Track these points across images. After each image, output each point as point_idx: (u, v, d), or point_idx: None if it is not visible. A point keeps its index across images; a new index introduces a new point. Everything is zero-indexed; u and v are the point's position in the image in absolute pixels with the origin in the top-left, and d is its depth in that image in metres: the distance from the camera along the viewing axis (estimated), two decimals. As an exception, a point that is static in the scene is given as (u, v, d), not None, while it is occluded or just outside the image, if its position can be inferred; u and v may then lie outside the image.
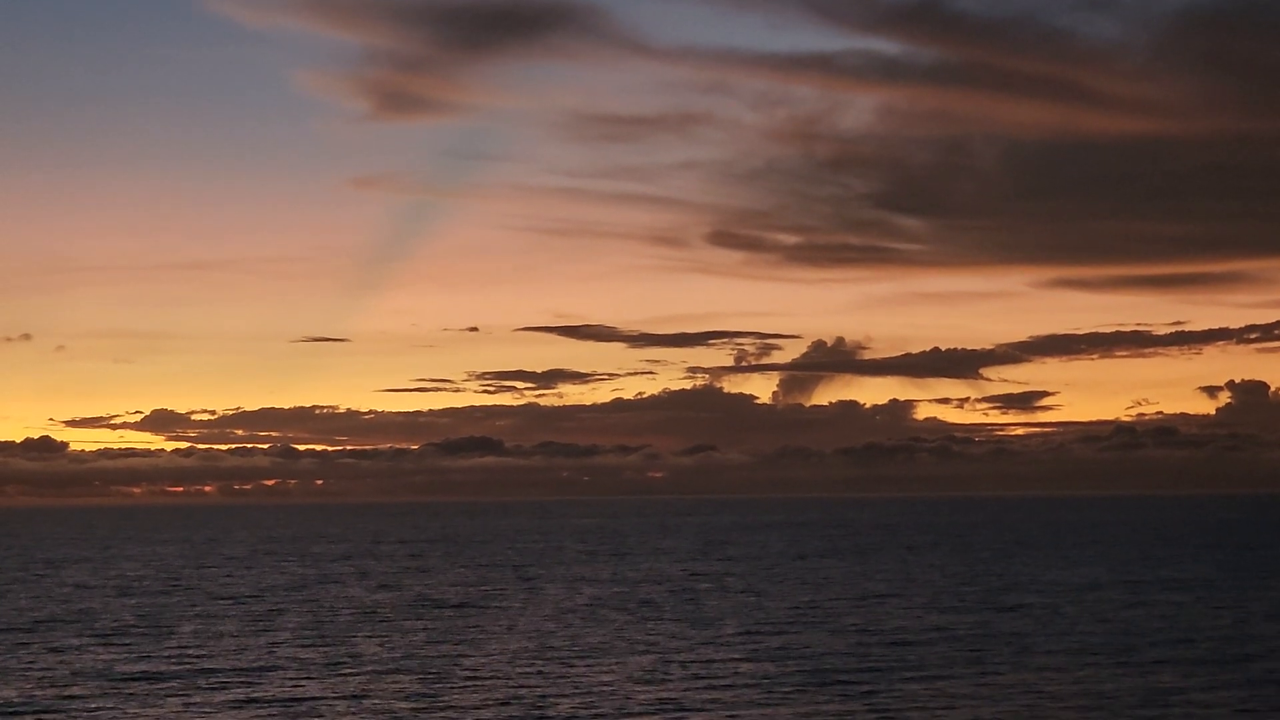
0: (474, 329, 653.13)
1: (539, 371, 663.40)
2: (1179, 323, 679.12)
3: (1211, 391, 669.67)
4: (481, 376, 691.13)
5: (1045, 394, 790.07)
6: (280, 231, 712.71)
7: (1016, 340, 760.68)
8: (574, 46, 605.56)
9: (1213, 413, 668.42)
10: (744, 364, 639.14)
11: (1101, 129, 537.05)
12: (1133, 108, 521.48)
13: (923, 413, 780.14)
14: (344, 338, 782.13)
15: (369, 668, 56.52)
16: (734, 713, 45.45)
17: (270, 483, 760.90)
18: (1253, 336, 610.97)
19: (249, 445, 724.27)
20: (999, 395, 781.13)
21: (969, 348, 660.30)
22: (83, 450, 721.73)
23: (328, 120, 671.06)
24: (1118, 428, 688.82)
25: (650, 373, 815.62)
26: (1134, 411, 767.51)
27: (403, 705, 47.15)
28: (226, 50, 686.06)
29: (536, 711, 45.63)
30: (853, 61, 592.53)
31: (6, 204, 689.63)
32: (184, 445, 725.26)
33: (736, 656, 59.31)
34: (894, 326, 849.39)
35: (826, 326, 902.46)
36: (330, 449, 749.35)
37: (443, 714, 45.47)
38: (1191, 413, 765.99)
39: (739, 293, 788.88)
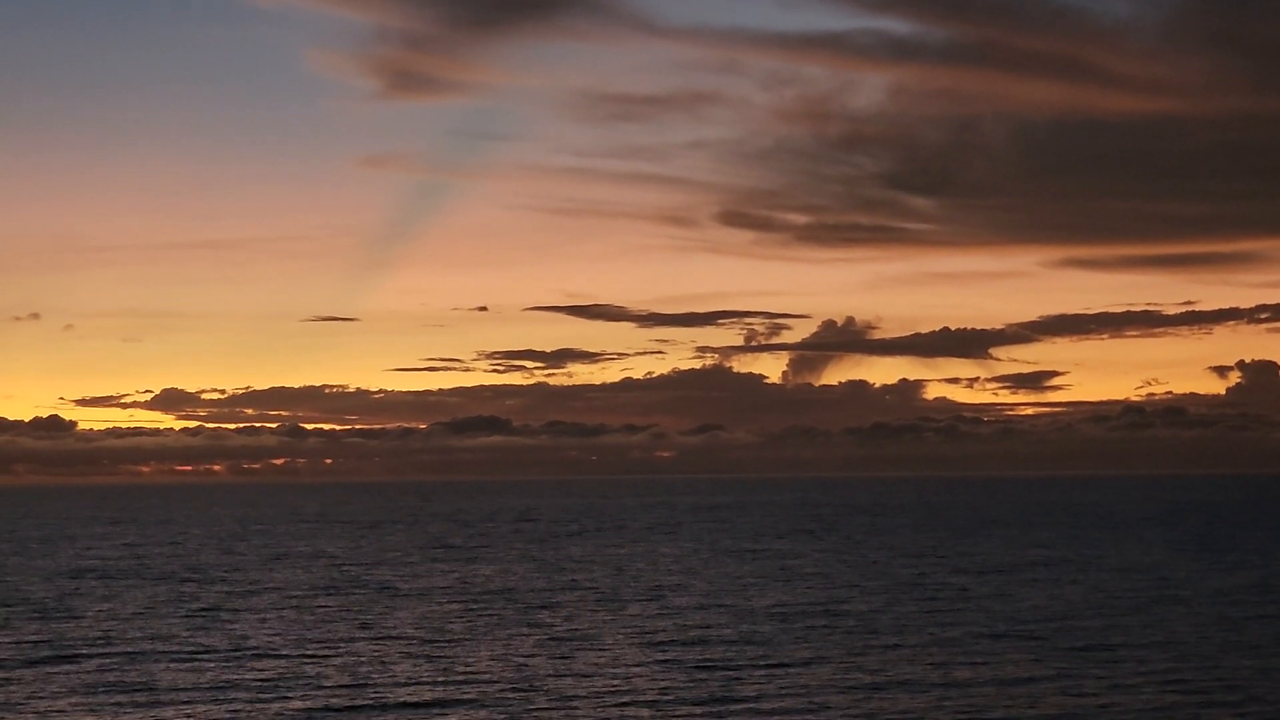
0: (483, 308, 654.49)
1: (548, 351, 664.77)
2: (1189, 302, 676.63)
3: (1221, 371, 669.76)
4: (491, 356, 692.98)
5: (1055, 374, 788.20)
6: (290, 211, 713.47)
7: (1026, 320, 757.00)
8: (584, 26, 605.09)
9: (1223, 393, 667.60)
10: (753, 344, 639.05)
11: (1112, 108, 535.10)
12: (1143, 87, 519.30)
13: (932, 392, 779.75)
14: (354, 317, 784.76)
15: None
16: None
17: (279, 462, 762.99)
18: (1263, 316, 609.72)
19: (257, 425, 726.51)
20: (1009, 375, 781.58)
21: (979, 327, 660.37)
22: (91, 429, 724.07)
23: (338, 99, 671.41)
24: (1126, 407, 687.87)
25: (660, 352, 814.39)
26: (1144, 391, 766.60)
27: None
28: (237, 30, 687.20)
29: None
30: (863, 40, 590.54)
31: (16, 183, 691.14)
32: (193, 424, 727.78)
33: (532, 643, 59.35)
34: (904, 306, 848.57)
35: (836, 306, 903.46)
36: (339, 428, 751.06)
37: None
38: (1201, 393, 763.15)
39: (749, 272, 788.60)
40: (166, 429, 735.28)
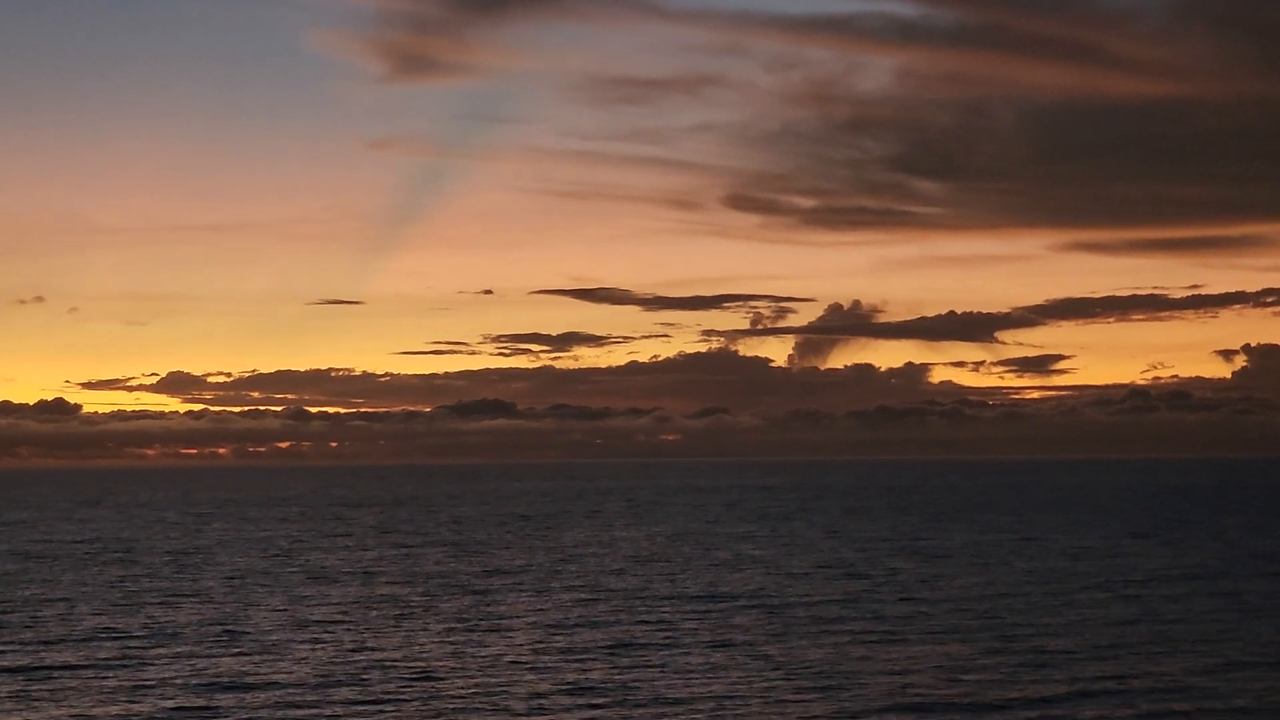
0: (489, 292, 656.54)
1: (554, 334, 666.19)
2: (1195, 286, 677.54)
3: (1227, 355, 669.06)
4: (497, 339, 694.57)
5: (1061, 357, 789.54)
6: (296, 193, 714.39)
7: (1033, 304, 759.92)
8: (589, 8, 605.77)
9: (1228, 376, 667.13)
10: (759, 327, 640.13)
11: (1120, 91, 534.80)
12: (1151, 70, 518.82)
13: (938, 376, 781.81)
14: (359, 300, 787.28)
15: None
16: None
17: (284, 445, 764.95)
18: (1269, 300, 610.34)
19: (261, 408, 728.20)
20: (1014, 359, 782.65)
21: (985, 311, 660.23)
22: (95, 412, 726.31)
23: (343, 82, 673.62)
24: (1131, 391, 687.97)
25: (665, 336, 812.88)
26: (1149, 375, 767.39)
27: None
28: (243, 11, 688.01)
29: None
30: (870, 23, 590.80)
31: (20, 164, 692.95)
32: (198, 408, 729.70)
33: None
34: (910, 290, 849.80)
35: (842, 289, 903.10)
36: (344, 411, 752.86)
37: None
38: (1207, 376, 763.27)
39: (755, 256, 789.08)
40: (171, 412, 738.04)
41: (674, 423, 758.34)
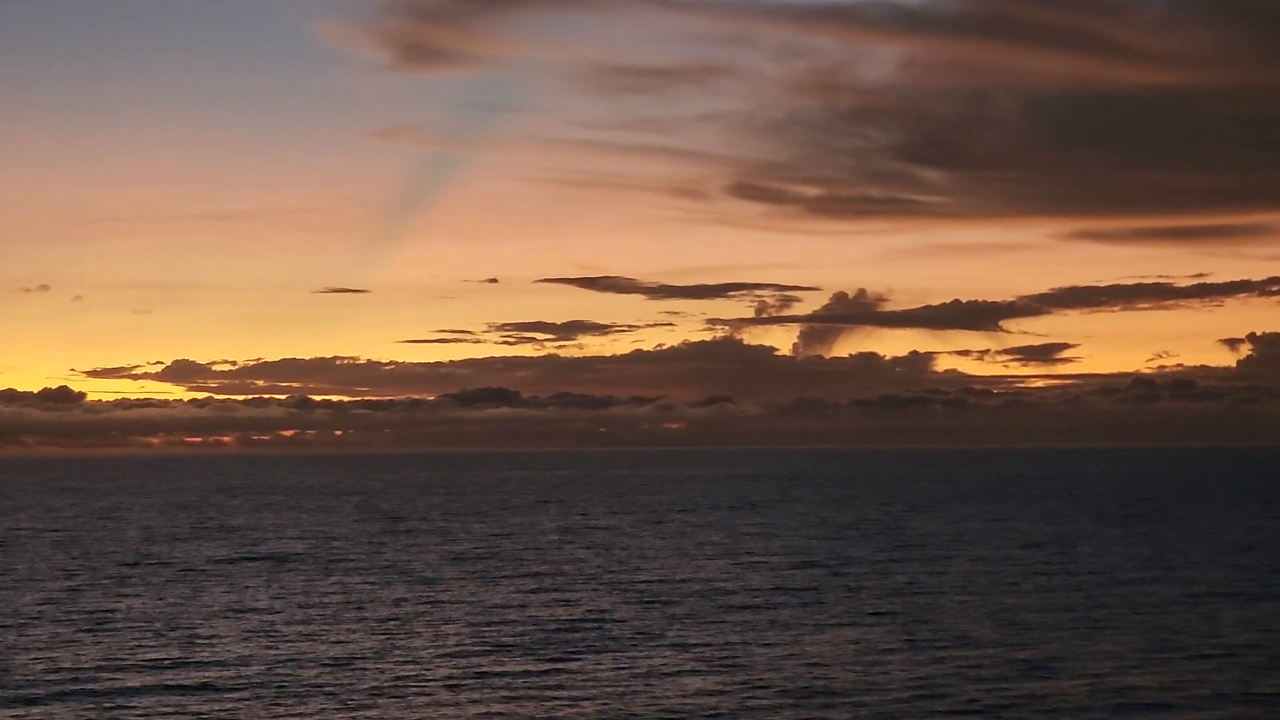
0: (494, 280, 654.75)
1: (559, 323, 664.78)
2: (1201, 275, 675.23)
3: (1232, 344, 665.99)
4: (502, 328, 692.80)
5: (1066, 346, 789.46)
6: (301, 182, 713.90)
7: (1037, 292, 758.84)
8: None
9: (1233, 365, 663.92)
10: (764, 316, 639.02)
11: (1124, 80, 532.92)
12: (1155, 59, 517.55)
13: (943, 365, 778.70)
14: (364, 289, 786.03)
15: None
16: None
17: (288, 433, 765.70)
18: (1275, 289, 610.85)
19: (266, 396, 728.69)
20: (1019, 347, 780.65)
21: (990, 300, 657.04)
22: (99, 401, 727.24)
23: (349, 71, 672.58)
24: (1136, 380, 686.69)
25: (670, 324, 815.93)
26: (1154, 364, 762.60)
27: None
28: (249, 1, 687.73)
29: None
30: (874, 13, 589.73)
31: (25, 153, 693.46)
32: (202, 396, 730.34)
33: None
34: (915, 278, 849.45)
35: (847, 278, 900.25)
36: (349, 400, 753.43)
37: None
38: (1212, 365, 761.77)
39: (759, 245, 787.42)
40: (175, 400, 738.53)
41: (677, 411, 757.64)
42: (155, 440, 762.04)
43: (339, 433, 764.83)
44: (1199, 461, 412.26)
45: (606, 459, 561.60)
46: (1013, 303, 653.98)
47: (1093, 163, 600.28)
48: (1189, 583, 71.61)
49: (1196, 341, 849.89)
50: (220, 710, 40.90)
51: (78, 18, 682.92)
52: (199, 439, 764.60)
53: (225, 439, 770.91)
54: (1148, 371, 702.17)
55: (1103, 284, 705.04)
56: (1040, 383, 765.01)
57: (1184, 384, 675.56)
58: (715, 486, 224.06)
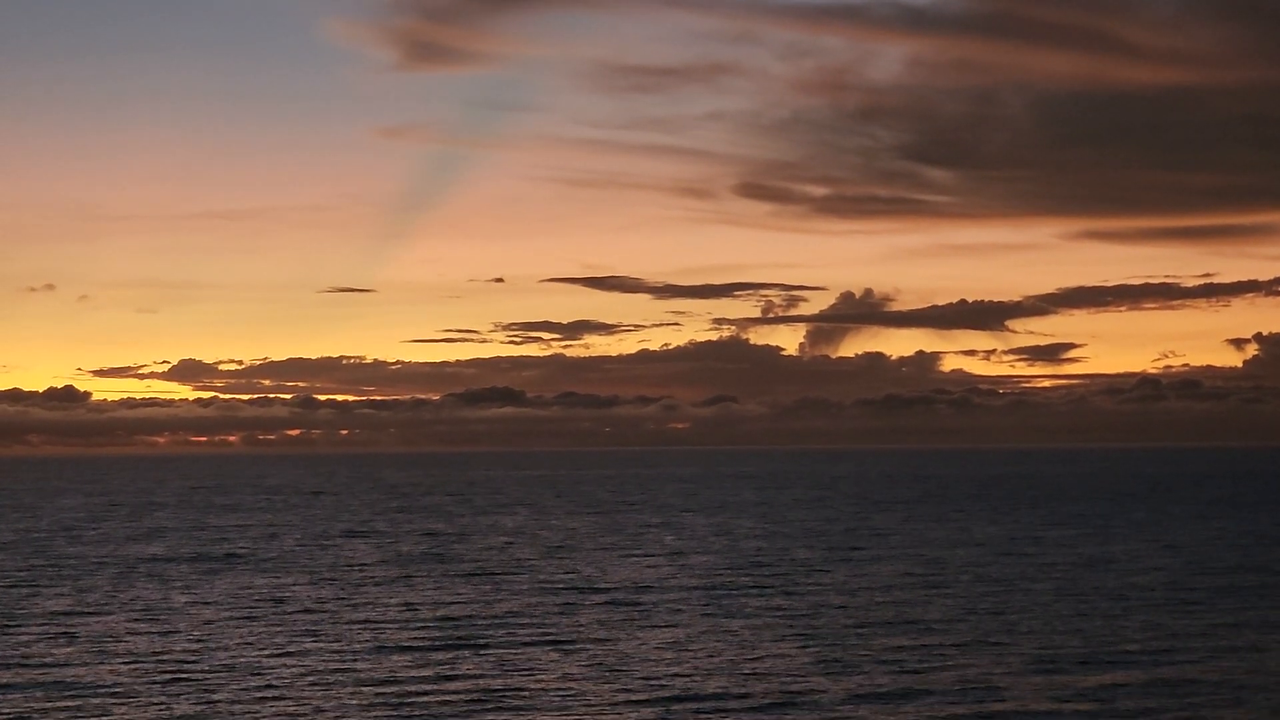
0: (500, 280, 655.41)
1: (565, 322, 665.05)
2: (1208, 275, 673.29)
3: (1239, 344, 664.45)
4: (508, 327, 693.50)
5: (1072, 346, 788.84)
6: (307, 181, 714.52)
7: (1044, 292, 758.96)
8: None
9: (1240, 365, 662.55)
10: (770, 315, 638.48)
11: (1131, 79, 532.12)
12: (1163, 58, 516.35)
13: (949, 364, 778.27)
14: (371, 288, 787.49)
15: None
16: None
17: (294, 433, 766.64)
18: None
19: (271, 396, 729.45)
20: (1026, 347, 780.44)
21: (996, 299, 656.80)
22: (105, 400, 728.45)
23: (355, 69, 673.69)
24: (1142, 380, 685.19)
25: (676, 324, 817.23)
26: (1161, 364, 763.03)
27: None
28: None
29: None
30: (881, 12, 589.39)
31: (31, 153, 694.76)
32: (208, 395, 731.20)
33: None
34: (921, 278, 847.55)
35: (854, 278, 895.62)
36: (355, 399, 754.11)
37: None
38: (1218, 365, 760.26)
39: (766, 244, 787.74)
40: (181, 400, 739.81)
41: (682, 411, 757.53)
42: (161, 440, 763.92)
43: (344, 432, 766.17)
44: (1201, 461, 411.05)
45: (605, 459, 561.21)
46: (1019, 302, 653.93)
47: (1100, 162, 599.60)
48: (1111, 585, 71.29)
49: (1203, 341, 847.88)
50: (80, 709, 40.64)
51: (85, 17, 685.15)
52: (204, 438, 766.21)
53: (230, 438, 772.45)
54: (1154, 372, 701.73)
55: (1109, 284, 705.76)
56: (1046, 383, 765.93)
57: (1190, 384, 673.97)
58: (701, 487, 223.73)
